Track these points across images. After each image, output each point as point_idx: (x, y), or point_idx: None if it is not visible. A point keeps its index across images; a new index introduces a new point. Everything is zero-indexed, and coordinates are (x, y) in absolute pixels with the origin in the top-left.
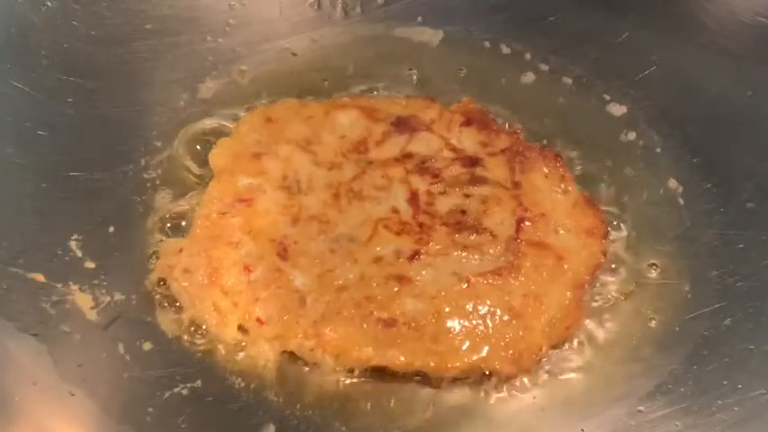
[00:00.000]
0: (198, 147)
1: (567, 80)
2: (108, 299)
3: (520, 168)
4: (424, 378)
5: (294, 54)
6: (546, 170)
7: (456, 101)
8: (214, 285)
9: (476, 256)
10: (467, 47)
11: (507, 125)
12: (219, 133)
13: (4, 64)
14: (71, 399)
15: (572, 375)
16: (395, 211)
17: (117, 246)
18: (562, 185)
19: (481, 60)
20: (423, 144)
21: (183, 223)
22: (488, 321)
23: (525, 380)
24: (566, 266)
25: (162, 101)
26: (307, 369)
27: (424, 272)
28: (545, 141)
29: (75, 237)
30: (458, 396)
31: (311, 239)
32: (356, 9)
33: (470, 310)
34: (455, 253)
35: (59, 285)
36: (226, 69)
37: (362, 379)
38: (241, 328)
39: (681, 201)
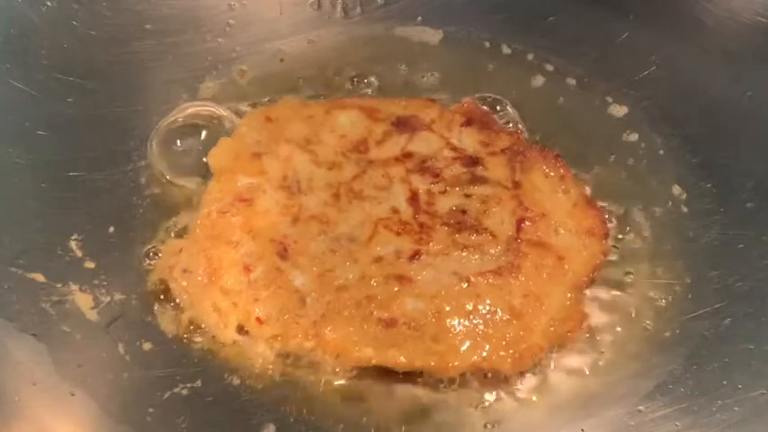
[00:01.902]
0: (178, 141)
1: (571, 81)
2: (108, 299)
3: (520, 168)
4: (424, 378)
5: (284, 59)
6: (546, 170)
7: (456, 101)
8: (214, 285)
9: (476, 256)
10: (467, 47)
11: (508, 126)
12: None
13: (4, 64)
14: (71, 399)
15: (572, 375)
16: (395, 210)
17: (117, 246)
18: (562, 185)
19: (481, 60)
20: (423, 144)
21: (183, 223)
22: (489, 321)
23: (525, 380)
24: (566, 266)
25: (162, 101)
26: (306, 369)
27: (424, 272)
28: (546, 142)
29: (75, 237)
30: (458, 396)
31: (311, 239)
32: (356, 9)
33: (471, 309)
34: (455, 253)
35: (59, 285)
36: (226, 69)
37: (362, 379)
38: (241, 329)
39: (684, 208)
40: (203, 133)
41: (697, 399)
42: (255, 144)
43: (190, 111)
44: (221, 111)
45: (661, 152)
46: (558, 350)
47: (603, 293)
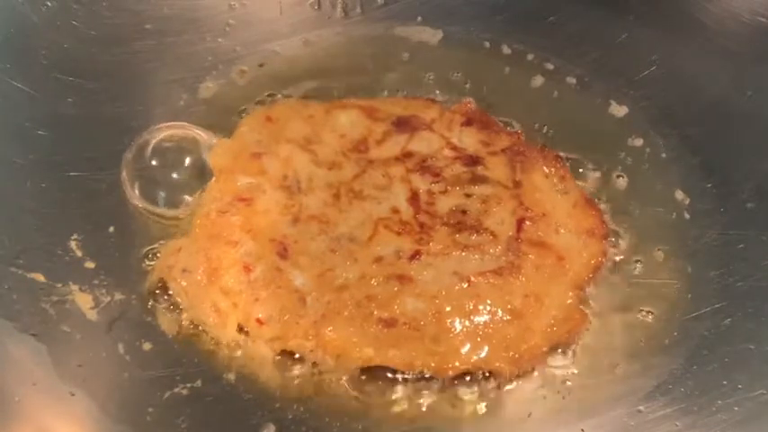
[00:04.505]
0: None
1: (571, 80)
2: (108, 299)
3: (521, 168)
4: (424, 378)
5: (283, 59)
6: (546, 170)
7: (456, 101)
8: (213, 285)
9: (476, 256)
10: (467, 47)
11: (508, 126)
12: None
13: (4, 64)
14: (71, 399)
15: (572, 375)
16: (395, 210)
17: (117, 246)
18: (563, 185)
19: (481, 60)
20: (423, 143)
21: (183, 223)
22: (489, 321)
23: (526, 380)
24: (567, 266)
25: (162, 101)
26: (307, 369)
27: (424, 272)
28: (546, 142)
29: (75, 237)
30: (458, 396)
31: (311, 239)
32: (356, 9)
33: (471, 310)
34: (456, 253)
35: (59, 285)
36: (226, 69)
37: (362, 379)
38: (241, 329)
39: (686, 209)
40: (177, 156)
41: (697, 399)
42: (255, 144)
43: (165, 133)
44: (194, 131)
45: (660, 151)
46: (558, 350)
47: (604, 293)
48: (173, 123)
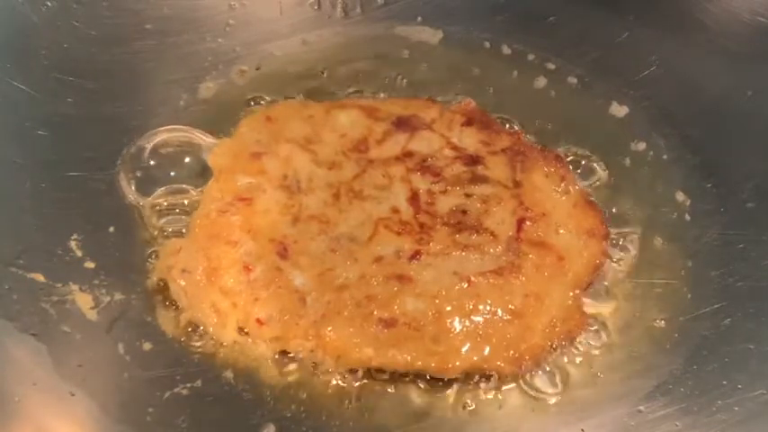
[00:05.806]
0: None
1: (572, 80)
2: (108, 299)
3: (521, 168)
4: (424, 378)
5: (283, 59)
6: (547, 170)
7: (456, 101)
8: (213, 285)
9: (476, 256)
10: (467, 47)
11: (508, 126)
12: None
13: (4, 64)
14: (71, 399)
15: (572, 375)
16: (395, 210)
17: (117, 246)
18: (563, 185)
19: (481, 60)
20: (423, 143)
21: (183, 223)
22: (489, 321)
23: (526, 380)
24: (567, 267)
25: (162, 101)
26: (307, 369)
27: (424, 272)
28: (547, 142)
29: (75, 237)
30: (458, 396)
31: (311, 239)
32: (356, 9)
33: (471, 309)
34: (456, 253)
35: (59, 285)
36: (226, 69)
37: (363, 379)
38: (241, 329)
39: (686, 210)
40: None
41: (697, 399)
42: (255, 143)
43: (160, 138)
44: (195, 134)
45: (660, 151)
46: (558, 350)
47: (603, 294)
48: (172, 127)
